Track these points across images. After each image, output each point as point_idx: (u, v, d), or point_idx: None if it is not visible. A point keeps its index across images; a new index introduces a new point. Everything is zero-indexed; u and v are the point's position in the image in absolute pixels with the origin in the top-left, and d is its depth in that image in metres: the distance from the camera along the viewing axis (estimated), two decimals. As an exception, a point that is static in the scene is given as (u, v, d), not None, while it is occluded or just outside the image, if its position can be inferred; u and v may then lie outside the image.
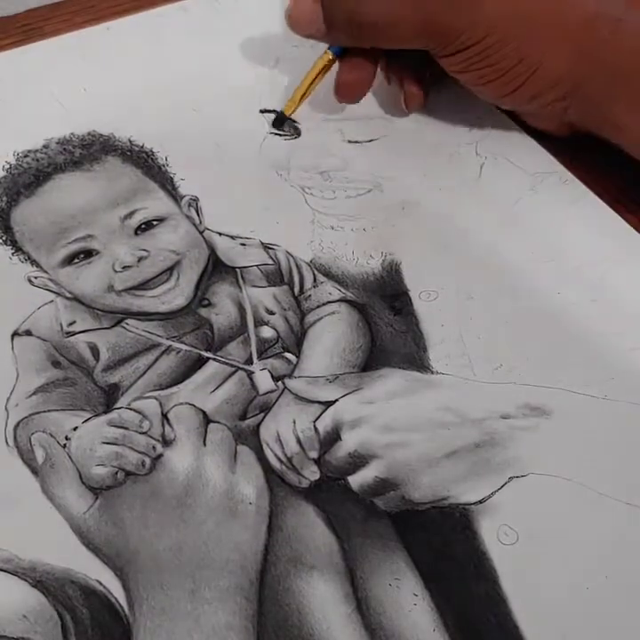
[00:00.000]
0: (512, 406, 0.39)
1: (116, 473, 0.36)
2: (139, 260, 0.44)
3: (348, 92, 0.50)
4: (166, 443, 0.37)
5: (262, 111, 0.53)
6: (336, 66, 0.49)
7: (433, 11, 0.44)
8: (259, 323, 0.42)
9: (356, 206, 0.48)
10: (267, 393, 0.40)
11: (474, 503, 0.36)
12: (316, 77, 0.49)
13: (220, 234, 0.46)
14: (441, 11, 0.44)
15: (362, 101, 0.51)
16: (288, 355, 0.41)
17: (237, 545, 0.35)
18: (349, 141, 0.47)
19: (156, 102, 0.53)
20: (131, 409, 0.39)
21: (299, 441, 0.38)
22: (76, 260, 0.44)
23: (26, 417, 0.39)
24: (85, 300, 0.43)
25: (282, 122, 0.51)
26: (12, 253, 0.45)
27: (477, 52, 0.44)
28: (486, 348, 0.41)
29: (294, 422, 0.38)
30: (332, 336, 0.42)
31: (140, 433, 0.38)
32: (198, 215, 0.47)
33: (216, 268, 0.45)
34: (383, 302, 0.43)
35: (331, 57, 0.49)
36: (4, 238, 0.45)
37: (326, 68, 0.49)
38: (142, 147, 0.50)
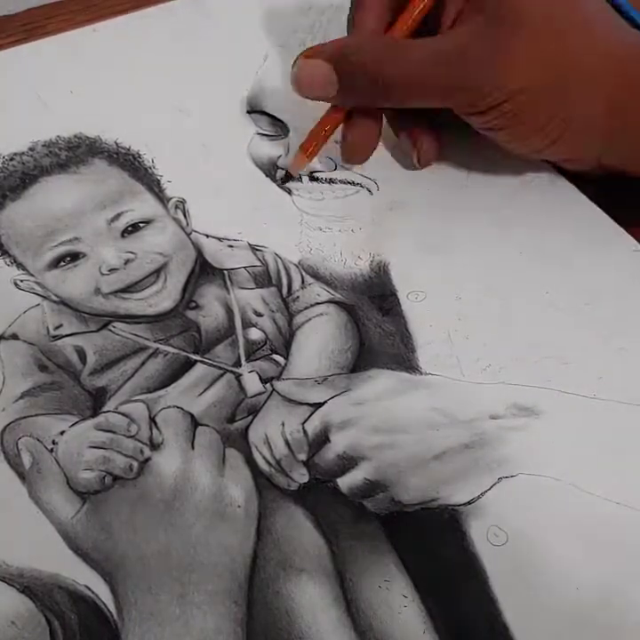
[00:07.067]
0: (501, 406, 0.39)
1: (104, 477, 0.36)
2: (125, 263, 0.43)
3: (355, 154, 0.48)
4: (154, 446, 0.37)
5: (249, 112, 0.52)
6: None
7: (461, 70, 0.41)
8: (247, 325, 0.42)
9: (344, 207, 0.48)
10: (255, 395, 0.40)
11: (463, 504, 0.36)
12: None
13: (208, 236, 0.46)
14: (471, 70, 0.41)
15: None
16: (276, 357, 0.41)
17: (226, 548, 0.35)
18: (337, 142, 0.47)
19: (143, 104, 0.52)
20: (118, 413, 0.38)
21: (287, 443, 0.38)
22: (63, 263, 0.44)
23: (12, 421, 0.38)
24: (72, 303, 0.43)
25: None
26: (-2, 257, 0.45)
27: (507, 110, 0.41)
28: (475, 348, 0.41)
29: (283, 424, 0.38)
30: (320, 337, 0.42)
31: (128, 437, 0.37)
32: (185, 217, 0.47)
33: (203, 270, 0.44)
34: (371, 303, 0.43)
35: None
36: (-11, 242, 0.45)
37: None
38: (129, 149, 0.49)
